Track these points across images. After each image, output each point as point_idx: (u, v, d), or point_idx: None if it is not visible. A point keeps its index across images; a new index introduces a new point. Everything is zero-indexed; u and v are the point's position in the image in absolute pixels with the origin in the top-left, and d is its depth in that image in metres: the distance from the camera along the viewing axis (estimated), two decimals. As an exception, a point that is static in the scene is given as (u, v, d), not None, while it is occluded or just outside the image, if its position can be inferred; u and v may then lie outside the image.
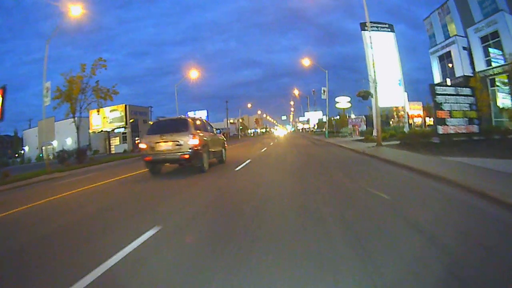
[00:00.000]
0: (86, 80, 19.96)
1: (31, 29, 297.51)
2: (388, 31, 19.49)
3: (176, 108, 34.74)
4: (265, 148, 18.65)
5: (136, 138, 39.17)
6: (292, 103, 69.98)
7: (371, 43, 13.97)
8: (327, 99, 29.13)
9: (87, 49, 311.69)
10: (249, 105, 65.80)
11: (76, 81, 19.27)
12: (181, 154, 7.51)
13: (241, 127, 79.66)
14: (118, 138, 47.74)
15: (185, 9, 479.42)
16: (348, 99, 38.02)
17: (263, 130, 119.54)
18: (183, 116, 10.64)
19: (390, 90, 17.64)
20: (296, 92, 50.42)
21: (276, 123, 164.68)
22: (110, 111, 34.51)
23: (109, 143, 35.64)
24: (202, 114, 42.57)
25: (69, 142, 48.98)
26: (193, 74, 30.56)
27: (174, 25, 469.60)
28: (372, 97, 16.70)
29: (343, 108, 40.44)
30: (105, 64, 20.10)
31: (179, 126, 7.92)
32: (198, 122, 8.82)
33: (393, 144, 13.13)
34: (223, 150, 10.70)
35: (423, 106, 49.60)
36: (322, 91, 28.48)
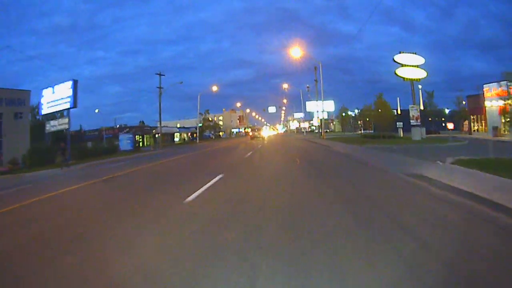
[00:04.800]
0: None
1: (27, 26, 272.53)
2: None
3: None
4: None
5: None
6: (285, 86, 47.13)
7: None
8: None
9: (81, 47, 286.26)
10: (214, 88, 42.63)
11: None
12: (260, 136, 39.77)
13: (200, 124, 55.34)
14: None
15: (179, 8, 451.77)
16: (420, 60, 17.24)
17: (248, 130, 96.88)
18: (261, 127, 70.31)
19: None
20: (298, 53, 27.55)
21: (265, 123, 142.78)
22: None
23: None
24: (66, 86, 20.65)
25: None
26: None
27: (167, 24, 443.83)
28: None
29: (411, 79, 18.86)
30: None
31: (260, 129, 51.17)
32: (263, 128, 69.55)
33: None
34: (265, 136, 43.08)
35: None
36: None
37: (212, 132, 71.06)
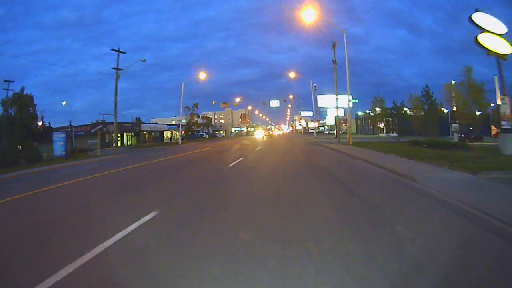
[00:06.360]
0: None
1: (32, 20, 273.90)
2: None
3: None
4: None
5: None
6: (292, 75, 40.39)
7: None
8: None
9: (87, 42, 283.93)
10: (202, 76, 35.22)
11: None
12: (270, 135, 57.35)
13: (184, 121, 45.72)
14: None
15: (186, 6, 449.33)
16: (502, 27, 9.29)
17: (251, 129, 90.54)
18: (270, 128, 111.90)
19: None
20: (311, 16, 20.02)
21: (269, 121, 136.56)
22: None
23: None
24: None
25: None
26: None
27: (174, 21, 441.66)
28: None
29: (497, 54, 12.26)
30: None
31: (270, 130, 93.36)
32: (271, 128, 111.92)
33: None
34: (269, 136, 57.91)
35: None
36: None
37: (206, 131, 63.50)
